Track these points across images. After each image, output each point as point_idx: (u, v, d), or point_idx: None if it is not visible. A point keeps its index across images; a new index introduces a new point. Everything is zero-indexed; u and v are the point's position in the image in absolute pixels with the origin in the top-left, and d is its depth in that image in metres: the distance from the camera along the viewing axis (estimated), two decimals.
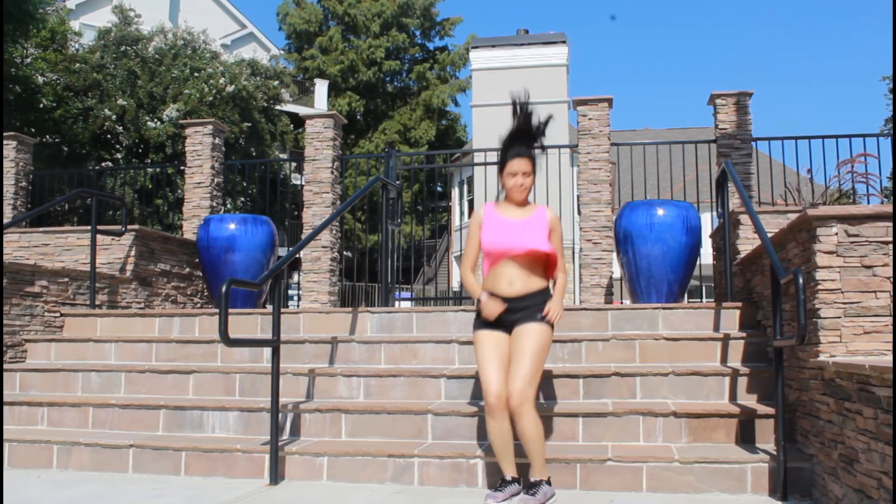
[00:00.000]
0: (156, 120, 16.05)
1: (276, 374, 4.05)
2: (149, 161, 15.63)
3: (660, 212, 6.21)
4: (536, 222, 3.61)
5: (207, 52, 18.08)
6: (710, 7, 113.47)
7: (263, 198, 13.44)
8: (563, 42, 22.68)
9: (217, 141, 8.65)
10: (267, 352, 5.02)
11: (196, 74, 16.85)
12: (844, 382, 3.12)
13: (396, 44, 30.53)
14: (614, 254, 6.95)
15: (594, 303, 7.30)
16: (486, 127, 21.68)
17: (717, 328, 4.95)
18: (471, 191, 23.16)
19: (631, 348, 4.75)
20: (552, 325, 3.57)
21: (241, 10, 29.40)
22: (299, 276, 12.04)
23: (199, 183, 8.47)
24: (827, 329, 3.37)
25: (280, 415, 4.21)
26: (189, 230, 8.31)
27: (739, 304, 5.02)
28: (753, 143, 7.62)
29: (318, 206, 8.30)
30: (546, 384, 4.46)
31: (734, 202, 5.94)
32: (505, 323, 3.56)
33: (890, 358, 3.21)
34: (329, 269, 8.19)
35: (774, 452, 3.67)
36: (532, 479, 3.50)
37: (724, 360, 4.64)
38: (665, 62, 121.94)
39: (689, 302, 7.65)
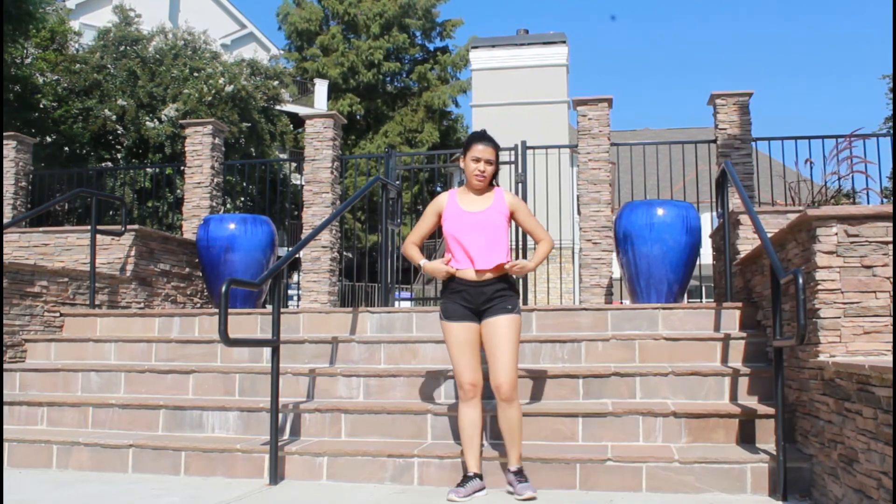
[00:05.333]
0: (155, 120, 16.05)
1: (275, 373, 4.05)
2: (148, 161, 15.62)
3: (659, 212, 6.21)
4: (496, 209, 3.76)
5: (207, 52, 18.07)
6: (711, 7, 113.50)
7: (263, 198, 13.44)
8: (563, 42, 22.69)
9: (217, 141, 8.65)
10: (267, 352, 5.02)
11: (195, 74, 16.84)
12: (844, 382, 3.12)
13: (397, 44, 30.50)
14: (614, 254, 6.95)
15: (594, 303, 7.30)
16: (487, 127, 21.59)
17: (717, 328, 4.95)
18: None
19: (631, 348, 4.75)
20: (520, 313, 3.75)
21: (241, 10, 29.41)
22: (299, 276, 12.04)
23: (199, 183, 8.48)
24: (827, 329, 3.37)
25: (280, 415, 4.21)
26: (189, 230, 8.31)
27: (739, 304, 5.02)
28: (753, 143, 7.62)
29: (317, 206, 8.31)
30: (545, 384, 4.46)
31: (734, 202, 5.94)
32: (476, 312, 3.70)
33: (890, 358, 3.20)
34: (329, 268, 8.19)
35: (774, 452, 3.66)
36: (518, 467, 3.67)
37: (723, 360, 4.64)
38: (665, 62, 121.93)
39: (689, 302, 7.65)
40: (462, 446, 3.71)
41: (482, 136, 3.80)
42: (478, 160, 3.73)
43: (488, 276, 3.66)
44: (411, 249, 3.91)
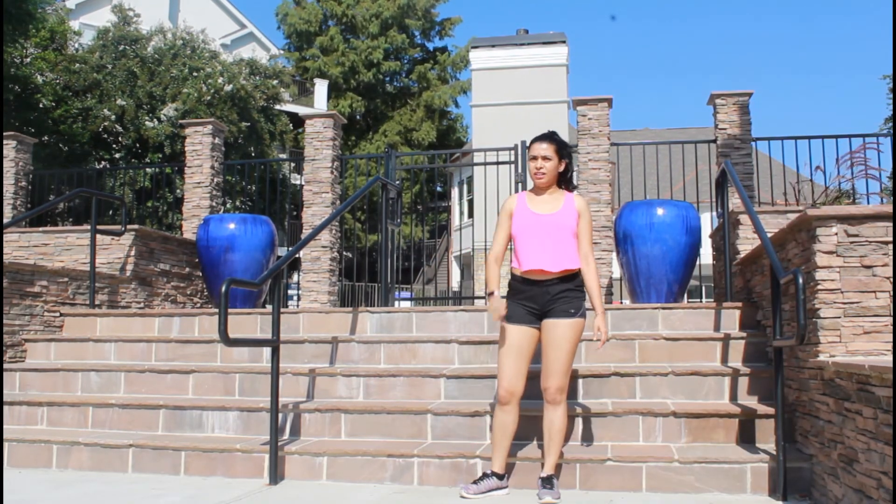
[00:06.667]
0: (154, 120, 16.05)
1: (275, 373, 4.05)
2: (147, 161, 15.62)
3: (659, 212, 6.21)
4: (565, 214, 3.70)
5: (206, 52, 18.07)
6: (711, 7, 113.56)
7: (263, 198, 13.44)
8: (563, 42, 22.65)
9: (217, 141, 8.66)
10: (266, 351, 5.02)
11: (195, 74, 16.84)
12: (844, 382, 3.12)
13: (396, 44, 30.50)
14: (614, 254, 6.95)
15: None
16: (486, 127, 21.67)
17: (716, 328, 4.95)
18: (470, 191, 23.13)
19: (630, 348, 4.75)
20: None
21: (240, 10, 29.38)
22: (299, 275, 12.04)
23: (199, 183, 8.48)
24: (827, 329, 3.37)
25: (280, 415, 4.21)
26: (189, 230, 8.31)
27: (739, 304, 5.02)
28: (753, 143, 7.62)
29: (317, 206, 8.31)
30: None
31: (734, 202, 5.94)
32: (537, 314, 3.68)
33: (890, 358, 3.21)
34: (329, 268, 8.19)
35: (774, 452, 3.67)
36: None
37: (723, 360, 4.64)
38: (665, 62, 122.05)
39: (688, 302, 7.65)
40: (491, 445, 3.75)
41: (539, 135, 3.78)
42: (535, 158, 3.72)
43: (552, 276, 3.63)
44: (493, 268, 3.72)
